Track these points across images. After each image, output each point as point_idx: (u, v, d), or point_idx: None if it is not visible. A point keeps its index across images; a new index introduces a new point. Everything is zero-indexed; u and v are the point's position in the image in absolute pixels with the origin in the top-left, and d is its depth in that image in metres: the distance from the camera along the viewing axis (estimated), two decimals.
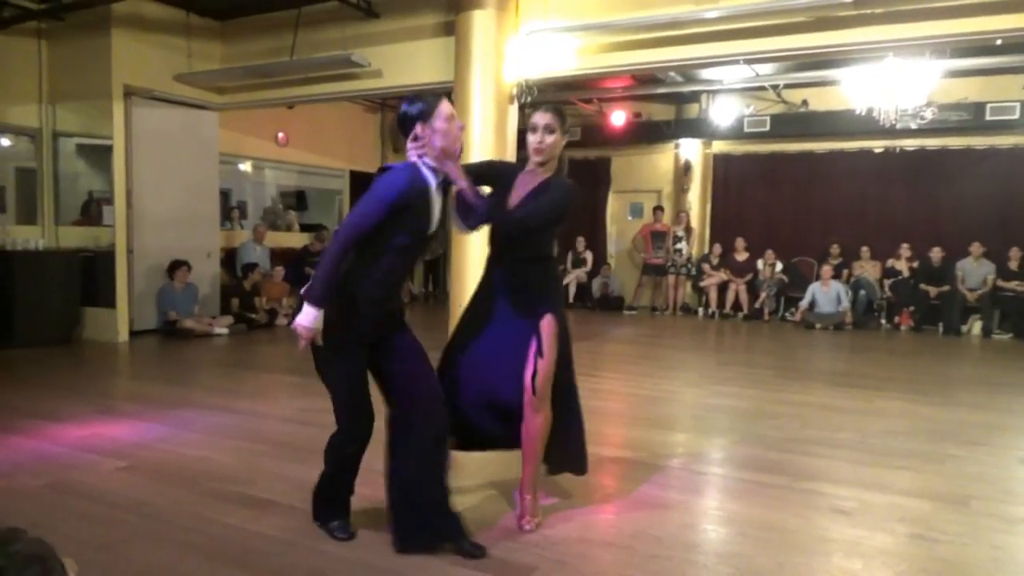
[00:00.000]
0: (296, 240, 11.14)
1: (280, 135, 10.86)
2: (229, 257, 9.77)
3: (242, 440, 4.24)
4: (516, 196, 2.91)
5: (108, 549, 2.76)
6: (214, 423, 4.63)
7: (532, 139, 2.89)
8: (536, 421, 2.88)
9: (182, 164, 8.46)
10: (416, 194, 2.59)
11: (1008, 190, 9.99)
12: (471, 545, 2.70)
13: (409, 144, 2.65)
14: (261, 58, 8.07)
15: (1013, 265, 9.63)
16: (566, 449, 3.05)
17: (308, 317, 2.56)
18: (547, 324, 2.86)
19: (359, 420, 2.75)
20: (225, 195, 10.97)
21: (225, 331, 8.40)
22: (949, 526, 3.10)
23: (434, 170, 2.65)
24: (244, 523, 3.01)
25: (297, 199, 12.68)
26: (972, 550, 2.87)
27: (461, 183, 2.66)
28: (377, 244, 2.61)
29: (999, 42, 5.77)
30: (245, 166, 11.36)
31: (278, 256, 10.16)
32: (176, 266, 8.18)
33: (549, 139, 2.87)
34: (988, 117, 9.84)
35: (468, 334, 3.02)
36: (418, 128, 2.61)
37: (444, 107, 2.63)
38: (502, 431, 2.98)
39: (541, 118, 2.88)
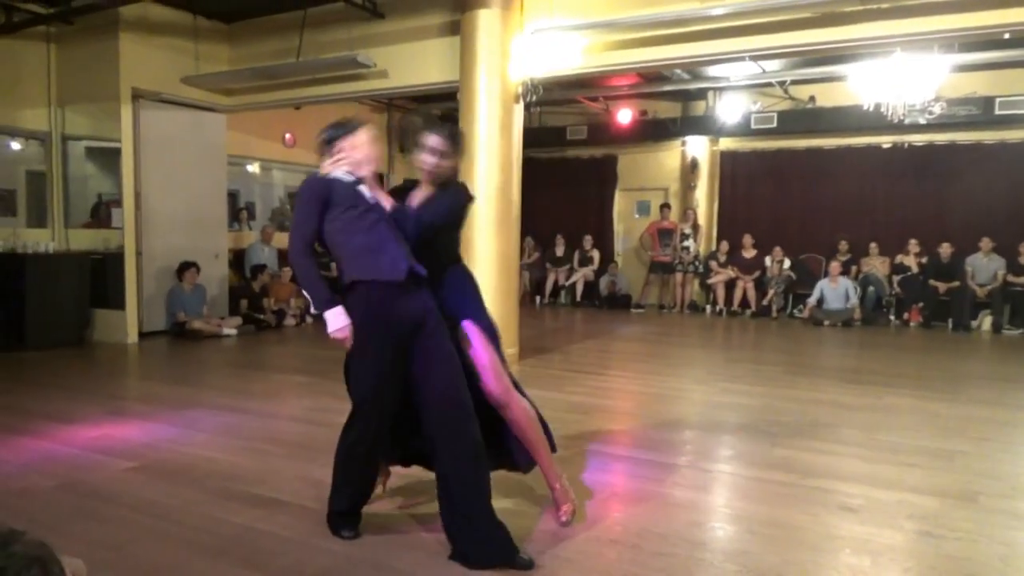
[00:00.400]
0: None
1: (287, 136, 10.90)
2: (237, 258, 9.83)
3: (251, 440, 4.26)
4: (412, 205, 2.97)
5: (118, 549, 2.78)
6: (223, 423, 4.66)
7: (428, 160, 2.90)
8: (513, 414, 2.90)
9: (190, 166, 8.51)
10: (333, 187, 2.75)
11: (1018, 185, 9.91)
12: (521, 559, 2.61)
13: (327, 160, 2.81)
14: (268, 60, 8.10)
15: (1023, 260, 9.56)
16: (502, 446, 3.00)
17: (329, 322, 2.73)
18: (469, 328, 2.88)
19: (371, 420, 2.78)
20: (233, 196, 11.00)
21: (234, 332, 8.44)
22: (957, 523, 3.09)
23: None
24: (253, 522, 3.03)
25: None
26: (980, 547, 2.86)
27: (380, 195, 2.83)
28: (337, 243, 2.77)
29: (1007, 36, 5.72)
30: (253, 167, 11.41)
31: (286, 257, 10.18)
32: (185, 267, 8.23)
33: (445, 163, 2.92)
34: (997, 111, 9.77)
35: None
36: (343, 143, 2.81)
37: (367, 129, 2.88)
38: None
39: (436, 142, 2.88)
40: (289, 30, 7.85)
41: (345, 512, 2.90)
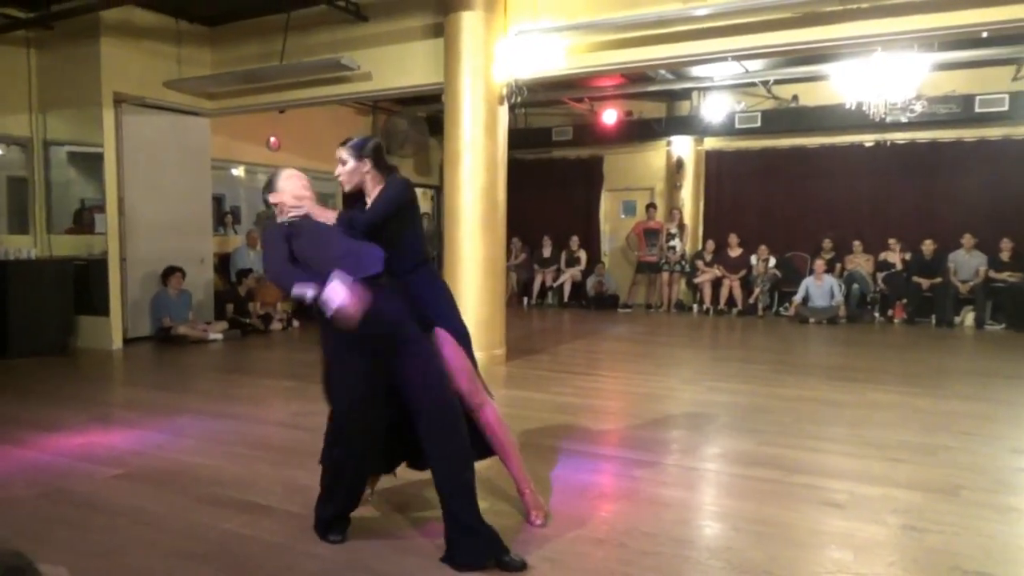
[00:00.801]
0: None
1: (272, 140, 10.85)
2: (223, 263, 9.78)
3: (238, 445, 4.25)
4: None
5: (103, 557, 2.76)
6: (210, 429, 4.64)
7: (337, 170, 3.05)
8: (487, 417, 2.94)
9: (174, 170, 8.47)
10: (294, 225, 2.86)
11: (998, 182, 10.03)
12: (511, 559, 2.61)
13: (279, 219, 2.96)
14: (251, 63, 8.08)
15: (1005, 256, 9.68)
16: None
17: (334, 296, 2.54)
18: (440, 332, 2.90)
19: (358, 431, 2.79)
20: (218, 201, 10.95)
21: (220, 337, 8.40)
22: (940, 516, 3.13)
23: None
24: (241, 528, 3.02)
25: None
26: (963, 540, 2.89)
27: (326, 216, 2.92)
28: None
29: (985, 34, 5.79)
30: (238, 171, 11.35)
31: None
32: (170, 272, 8.18)
33: (342, 168, 3.01)
34: (977, 109, 9.88)
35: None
36: (270, 198, 2.98)
37: (282, 175, 3.01)
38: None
39: (339, 153, 3.03)
40: (272, 33, 7.83)
41: (332, 518, 2.89)
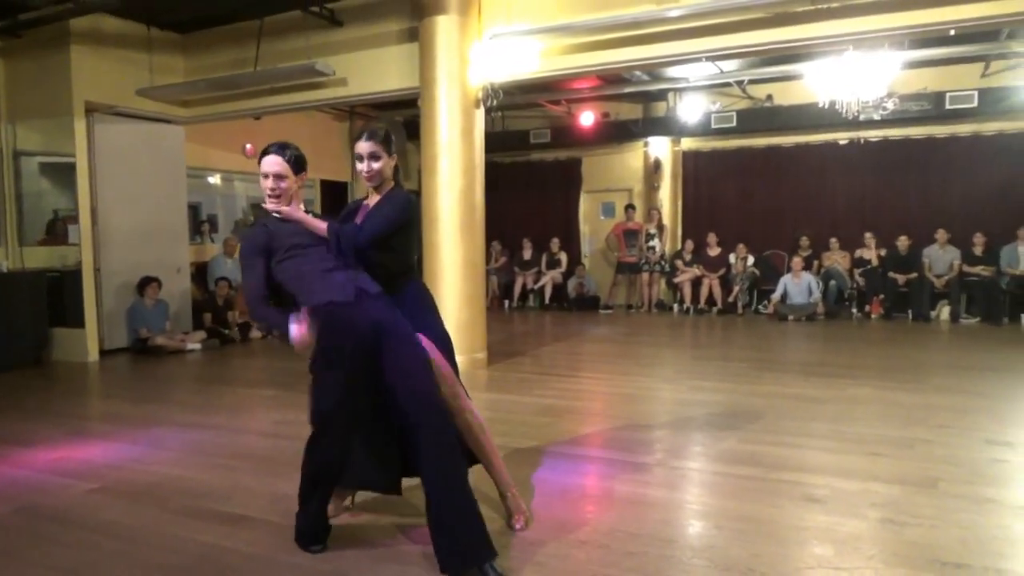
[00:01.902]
0: None
1: (248, 147, 10.76)
2: (200, 272, 9.68)
3: (217, 456, 4.20)
4: (359, 218, 3.01)
5: (78, 573, 2.72)
6: (189, 440, 4.58)
7: (360, 167, 2.96)
8: (467, 422, 2.94)
9: (148, 179, 8.37)
10: (272, 235, 2.87)
11: (969, 177, 10.17)
12: (494, 571, 2.52)
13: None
14: (225, 70, 8.01)
15: (977, 250, 9.82)
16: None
17: (291, 332, 2.78)
18: (422, 338, 2.86)
19: (338, 436, 2.78)
20: (194, 209, 10.85)
21: (198, 347, 8.31)
22: (918, 509, 3.16)
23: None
24: (219, 540, 2.98)
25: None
26: (940, 532, 2.92)
27: (316, 226, 2.89)
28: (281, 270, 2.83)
29: (952, 32, 5.88)
30: (214, 179, 11.26)
31: None
32: (146, 283, 8.09)
33: (376, 165, 2.94)
34: (948, 106, 10.01)
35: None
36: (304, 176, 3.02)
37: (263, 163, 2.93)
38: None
39: (365, 147, 2.92)
40: (246, 39, 7.77)
41: (313, 528, 2.87)
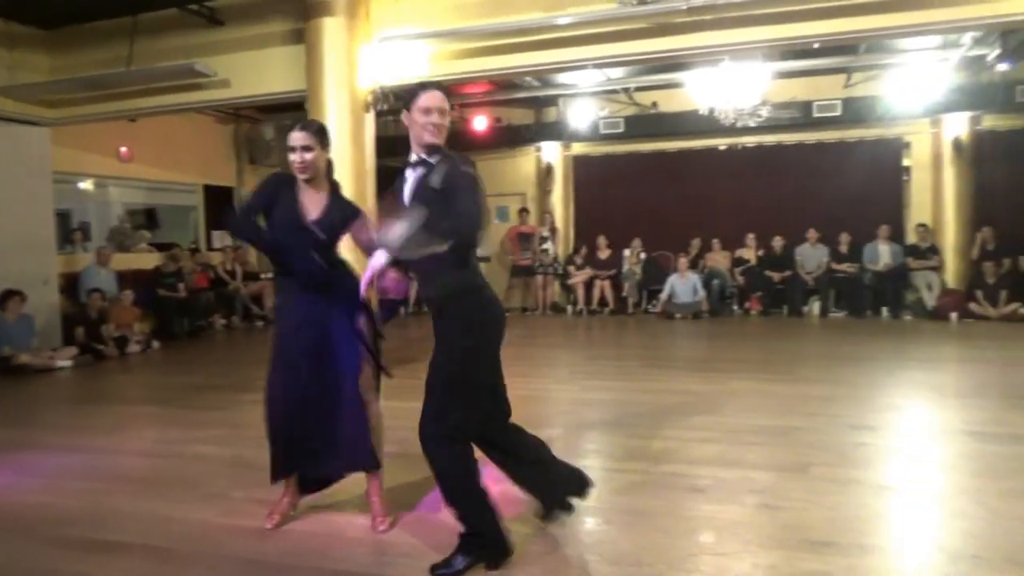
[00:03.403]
0: (147, 261, 10.44)
1: (123, 150, 10.18)
2: (71, 283, 9.05)
3: (90, 480, 3.94)
4: (312, 210, 3.04)
5: None
6: (58, 464, 4.27)
7: (293, 158, 2.97)
8: (372, 413, 3.15)
9: (9, 185, 7.77)
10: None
11: (836, 180, 10.92)
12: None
13: None
14: (95, 68, 7.54)
15: (843, 249, 10.56)
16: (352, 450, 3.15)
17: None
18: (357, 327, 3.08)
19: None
20: (64, 216, 10.16)
21: (69, 363, 7.74)
22: (791, 493, 3.37)
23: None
24: (91, 570, 2.81)
25: (147, 217, 11.93)
26: (811, 513, 3.13)
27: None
28: None
29: (816, 45, 6.32)
30: (86, 184, 10.57)
31: (128, 279, 9.51)
32: (7, 296, 7.48)
33: (309, 156, 2.98)
34: (815, 114, 10.73)
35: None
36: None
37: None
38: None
39: (298, 138, 2.96)
40: (118, 37, 7.37)
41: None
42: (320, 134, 3.03)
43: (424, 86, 2.75)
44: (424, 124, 2.68)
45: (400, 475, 3.57)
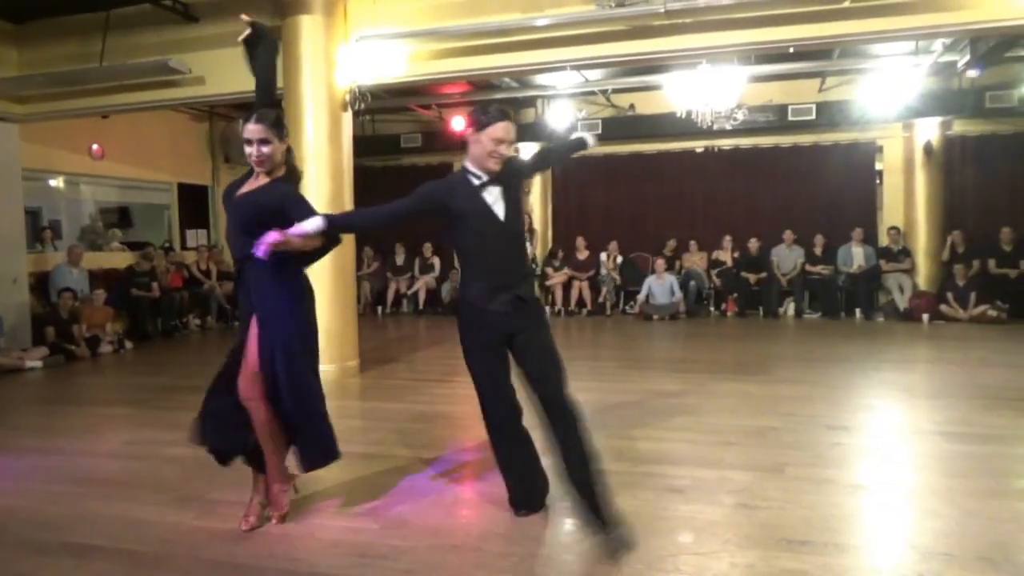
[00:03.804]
0: (120, 260, 10.28)
1: (95, 147, 10.01)
2: (40, 282, 8.89)
3: (61, 483, 3.86)
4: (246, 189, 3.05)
5: None
6: (28, 467, 4.19)
7: (250, 151, 2.95)
8: (258, 415, 3.06)
9: None
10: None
11: (810, 183, 11.09)
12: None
13: None
14: (66, 64, 7.39)
15: (818, 251, 10.70)
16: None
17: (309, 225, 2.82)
18: (252, 328, 3.07)
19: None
20: (34, 215, 9.96)
21: (39, 364, 7.60)
22: (768, 492, 3.40)
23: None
24: (64, 574, 2.75)
25: (120, 216, 11.75)
26: (787, 513, 3.16)
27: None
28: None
29: (791, 50, 6.39)
30: (56, 182, 10.38)
31: (100, 278, 9.36)
32: None
33: (265, 150, 2.95)
34: (790, 118, 10.85)
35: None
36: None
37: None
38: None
39: (254, 130, 2.93)
40: (90, 32, 7.23)
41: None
42: (277, 125, 2.97)
43: (502, 114, 2.94)
44: (492, 152, 2.93)
45: (378, 477, 3.55)
